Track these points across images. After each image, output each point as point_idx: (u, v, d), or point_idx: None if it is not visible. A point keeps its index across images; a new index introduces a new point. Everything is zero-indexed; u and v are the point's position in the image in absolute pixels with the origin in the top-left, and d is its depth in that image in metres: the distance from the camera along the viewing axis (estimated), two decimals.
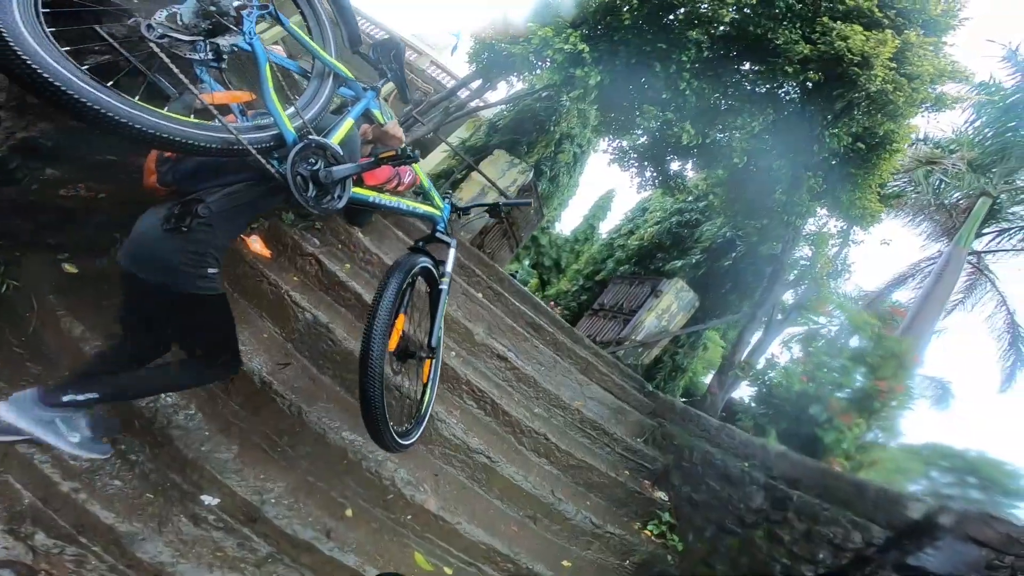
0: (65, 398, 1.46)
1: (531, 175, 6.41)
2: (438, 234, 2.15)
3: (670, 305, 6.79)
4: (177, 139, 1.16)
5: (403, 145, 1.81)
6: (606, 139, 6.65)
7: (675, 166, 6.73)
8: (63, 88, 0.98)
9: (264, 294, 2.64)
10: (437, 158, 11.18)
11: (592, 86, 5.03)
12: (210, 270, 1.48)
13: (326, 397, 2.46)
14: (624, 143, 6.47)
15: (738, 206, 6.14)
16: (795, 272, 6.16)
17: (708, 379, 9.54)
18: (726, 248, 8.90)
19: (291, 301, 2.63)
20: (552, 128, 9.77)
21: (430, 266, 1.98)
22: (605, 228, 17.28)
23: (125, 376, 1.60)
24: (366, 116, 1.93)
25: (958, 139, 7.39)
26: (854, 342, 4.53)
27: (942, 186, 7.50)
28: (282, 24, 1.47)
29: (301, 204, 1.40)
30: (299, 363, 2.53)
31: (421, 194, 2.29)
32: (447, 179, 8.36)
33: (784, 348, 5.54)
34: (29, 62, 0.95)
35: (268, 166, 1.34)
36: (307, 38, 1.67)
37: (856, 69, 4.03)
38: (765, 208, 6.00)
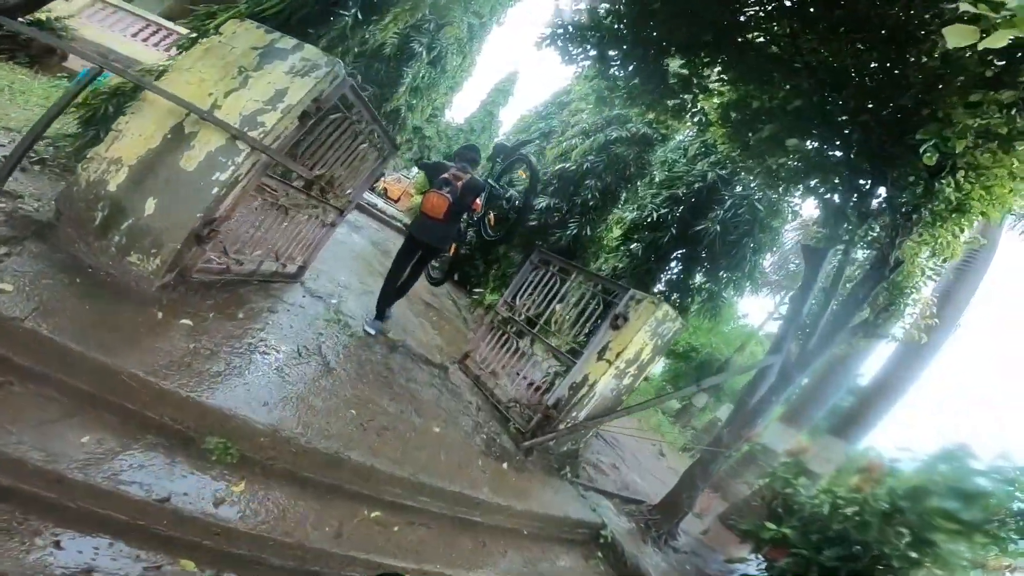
0: (387, 314, 4.12)
1: (339, 81, 2.36)
2: None
3: (640, 350, 3.75)
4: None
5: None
6: None
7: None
8: None
9: None
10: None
11: None
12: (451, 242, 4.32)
13: None
14: None
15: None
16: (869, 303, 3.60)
17: None
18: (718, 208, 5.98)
19: None
20: None
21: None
22: (507, 116, 12.99)
23: (397, 294, 4.16)
24: None
25: None
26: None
27: None
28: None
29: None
30: None
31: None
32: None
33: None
34: None
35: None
36: None
37: None
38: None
